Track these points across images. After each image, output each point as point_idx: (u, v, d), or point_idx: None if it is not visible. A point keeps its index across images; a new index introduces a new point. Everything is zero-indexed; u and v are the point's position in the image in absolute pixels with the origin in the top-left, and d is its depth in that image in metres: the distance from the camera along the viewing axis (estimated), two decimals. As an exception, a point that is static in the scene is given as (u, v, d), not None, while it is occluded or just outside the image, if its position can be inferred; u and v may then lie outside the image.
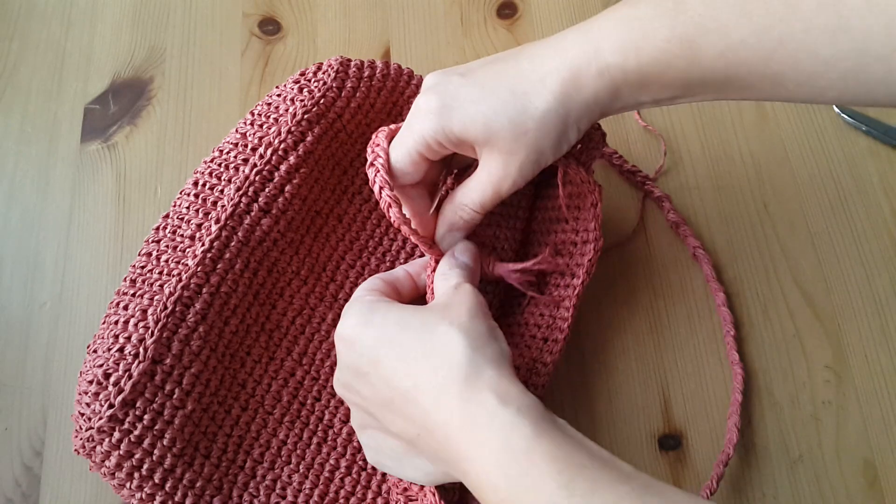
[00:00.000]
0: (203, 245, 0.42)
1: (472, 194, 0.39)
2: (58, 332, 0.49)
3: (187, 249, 0.43)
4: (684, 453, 0.46)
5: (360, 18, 0.59)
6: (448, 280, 0.39)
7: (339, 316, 0.46)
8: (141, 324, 0.40)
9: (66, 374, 0.48)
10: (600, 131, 0.45)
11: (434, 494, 0.37)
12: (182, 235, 0.44)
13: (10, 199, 0.53)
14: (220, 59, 0.58)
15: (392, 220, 0.38)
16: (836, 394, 0.47)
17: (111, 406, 0.38)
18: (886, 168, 0.53)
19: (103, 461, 0.39)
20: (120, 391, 0.39)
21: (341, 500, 0.43)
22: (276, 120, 0.46)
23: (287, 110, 0.46)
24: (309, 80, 0.48)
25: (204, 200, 0.44)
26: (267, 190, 0.44)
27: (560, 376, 0.47)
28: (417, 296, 0.42)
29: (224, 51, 0.58)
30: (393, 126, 0.41)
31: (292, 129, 0.45)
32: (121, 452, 0.39)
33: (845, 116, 0.54)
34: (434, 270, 0.40)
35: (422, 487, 0.38)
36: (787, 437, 0.46)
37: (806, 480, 0.45)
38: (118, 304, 0.42)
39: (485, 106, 0.36)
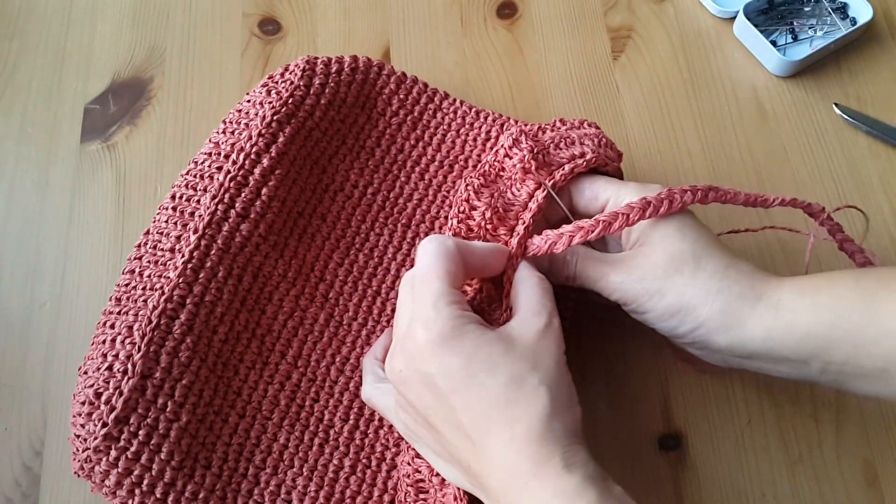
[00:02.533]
0: (183, 256, 0.42)
1: (592, 274, 0.39)
2: (58, 333, 0.49)
3: (168, 262, 0.43)
4: (684, 453, 0.46)
5: (360, 18, 0.59)
6: (541, 294, 0.37)
7: (331, 316, 0.46)
8: (127, 340, 0.40)
9: (66, 375, 0.48)
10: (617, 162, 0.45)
11: (458, 489, 0.37)
12: (163, 249, 0.44)
13: (10, 199, 0.53)
14: (220, 59, 0.58)
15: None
16: (836, 394, 0.47)
17: (105, 425, 0.38)
18: (886, 168, 0.53)
19: (103, 481, 0.39)
20: (112, 409, 0.38)
21: (347, 500, 0.42)
22: (246, 125, 0.46)
23: (257, 114, 0.46)
24: (276, 83, 0.48)
25: (182, 212, 0.44)
26: (243, 195, 0.44)
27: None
28: (479, 277, 0.40)
29: (224, 51, 0.58)
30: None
31: (262, 131, 0.45)
32: (119, 470, 0.39)
33: (845, 116, 0.54)
34: (514, 269, 0.39)
35: (443, 482, 0.38)
36: (787, 437, 0.46)
37: (806, 480, 0.45)
38: (105, 323, 0.42)
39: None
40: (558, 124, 0.46)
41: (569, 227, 0.38)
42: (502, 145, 0.42)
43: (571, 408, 0.34)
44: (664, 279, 0.37)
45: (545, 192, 0.40)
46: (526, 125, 0.46)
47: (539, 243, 0.38)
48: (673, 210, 0.38)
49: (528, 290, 0.37)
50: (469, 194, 0.40)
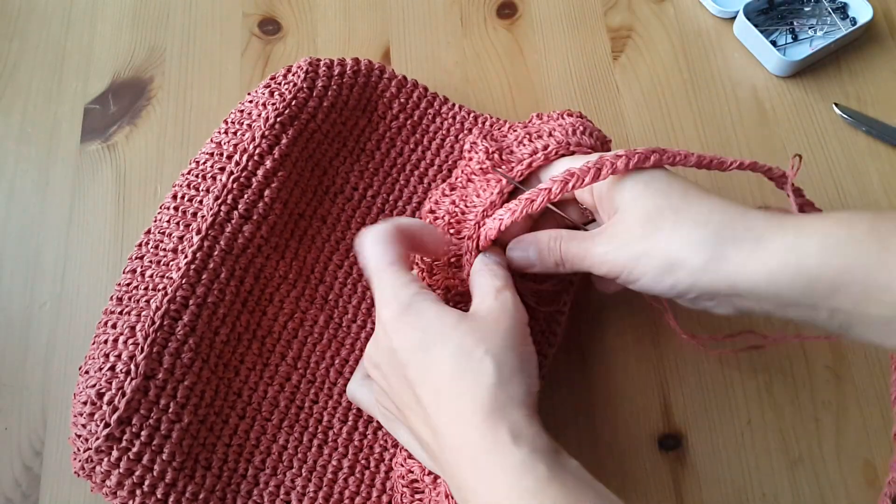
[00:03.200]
0: (186, 257, 0.42)
1: (576, 252, 0.39)
2: (58, 333, 0.49)
3: (171, 263, 0.43)
4: (684, 453, 0.46)
5: (360, 18, 0.59)
6: (489, 276, 0.38)
7: (330, 318, 0.46)
8: (130, 340, 0.40)
9: (66, 375, 0.48)
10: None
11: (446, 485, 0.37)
12: (165, 249, 0.44)
13: (10, 199, 0.53)
14: (220, 59, 0.58)
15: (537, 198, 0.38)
16: (836, 394, 0.47)
17: (107, 425, 0.38)
18: (886, 168, 0.53)
19: (104, 481, 0.39)
20: (115, 410, 0.38)
21: (346, 501, 0.43)
22: (249, 126, 0.46)
23: (259, 115, 0.46)
24: (279, 84, 0.48)
25: (184, 213, 0.44)
26: (246, 196, 0.44)
27: (560, 376, 0.47)
28: (420, 254, 0.41)
29: (224, 51, 0.58)
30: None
31: (266, 133, 0.45)
32: (120, 471, 0.39)
33: (845, 116, 0.54)
34: (473, 258, 0.40)
35: (434, 480, 0.38)
36: (787, 437, 0.46)
37: (806, 480, 0.45)
38: (106, 322, 0.42)
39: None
40: (535, 119, 0.46)
41: (500, 211, 0.39)
42: (465, 150, 0.43)
43: (524, 379, 0.34)
44: (646, 239, 0.36)
45: (500, 189, 0.40)
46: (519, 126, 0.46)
47: (485, 231, 0.39)
48: (602, 178, 0.37)
49: (480, 279, 0.38)
50: (430, 206, 0.41)
